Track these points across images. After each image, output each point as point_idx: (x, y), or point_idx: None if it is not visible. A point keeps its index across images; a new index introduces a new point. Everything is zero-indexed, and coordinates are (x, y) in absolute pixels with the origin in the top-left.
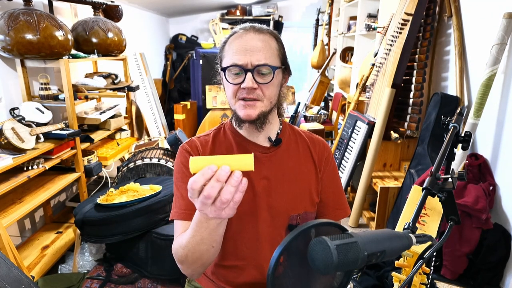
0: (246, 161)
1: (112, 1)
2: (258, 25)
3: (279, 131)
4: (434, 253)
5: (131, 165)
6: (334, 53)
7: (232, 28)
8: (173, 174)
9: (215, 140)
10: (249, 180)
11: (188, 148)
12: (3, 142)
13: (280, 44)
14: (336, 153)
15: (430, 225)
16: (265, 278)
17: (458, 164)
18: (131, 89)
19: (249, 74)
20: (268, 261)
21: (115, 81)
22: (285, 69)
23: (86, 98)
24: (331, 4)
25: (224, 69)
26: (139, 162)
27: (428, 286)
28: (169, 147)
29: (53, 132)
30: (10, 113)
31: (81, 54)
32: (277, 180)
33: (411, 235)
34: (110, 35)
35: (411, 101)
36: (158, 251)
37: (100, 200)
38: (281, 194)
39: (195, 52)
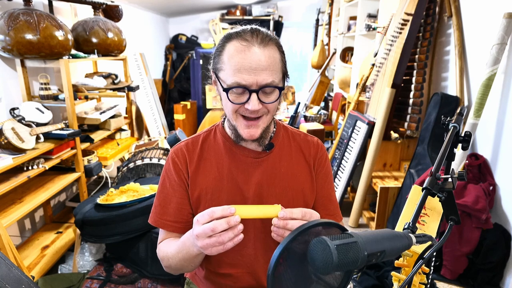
0: (275, 210)
1: (112, 1)
2: (260, 33)
3: (272, 135)
4: (434, 253)
5: (131, 165)
6: (334, 53)
7: (232, 29)
8: None
9: (204, 143)
10: (239, 187)
11: (174, 156)
12: (3, 142)
13: (282, 53)
14: (336, 153)
15: (430, 225)
16: (261, 284)
17: (458, 164)
18: (131, 89)
19: (254, 96)
20: (263, 267)
21: (115, 81)
22: (286, 75)
23: (86, 98)
24: (331, 4)
25: (226, 90)
26: (139, 162)
27: (428, 286)
28: (169, 147)
29: (53, 132)
30: (10, 113)
31: (81, 54)
32: (268, 185)
33: (411, 235)
34: (110, 35)
35: (411, 101)
36: None
37: (100, 200)
38: (273, 199)
39: (195, 52)
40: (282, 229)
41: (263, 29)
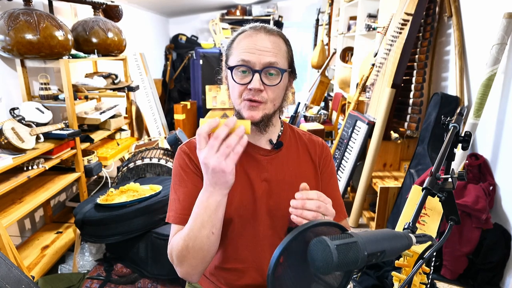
0: (244, 123)
1: (112, 1)
2: (268, 26)
3: (280, 133)
4: (434, 253)
5: (131, 165)
6: (334, 53)
7: (232, 28)
8: None
9: None
10: (249, 183)
11: (187, 150)
12: (3, 142)
13: (289, 47)
14: (336, 153)
15: (430, 225)
16: (266, 280)
17: (458, 164)
18: (131, 89)
19: (256, 75)
20: (269, 264)
21: (115, 81)
22: (292, 72)
23: (86, 98)
24: (331, 4)
25: (231, 68)
26: (139, 162)
27: (428, 286)
28: (169, 147)
29: (53, 132)
30: (10, 113)
31: (81, 54)
32: (277, 182)
33: (411, 235)
34: (110, 35)
35: (411, 101)
36: (158, 251)
37: (100, 200)
38: (281, 196)
39: (195, 52)
40: (300, 209)
41: (273, 26)
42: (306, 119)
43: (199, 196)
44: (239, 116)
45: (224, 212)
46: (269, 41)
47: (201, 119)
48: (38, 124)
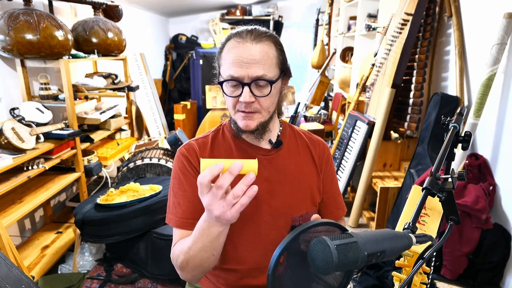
0: (251, 165)
1: (112, 1)
2: (256, 30)
3: (279, 133)
4: (434, 253)
5: (131, 165)
6: (334, 53)
7: (232, 29)
8: None
9: (214, 142)
10: None
11: (185, 152)
12: (3, 142)
13: (279, 50)
14: (336, 153)
15: (430, 225)
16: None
17: (458, 164)
18: (131, 89)
19: (246, 88)
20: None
21: (115, 81)
22: (285, 73)
23: (86, 98)
24: (331, 4)
25: (221, 83)
26: (139, 162)
27: (428, 286)
28: (169, 147)
29: (53, 132)
30: (10, 113)
31: (81, 54)
32: (279, 182)
33: (411, 235)
34: (110, 35)
35: (411, 101)
36: (158, 251)
37: (100, 200)
38: (283, 195)
39: (195, 52)
40: None
41: (262, 28)
42: (306, 119)
43: (200, 221)
44: (236, 125)
45: (226, 237)
46: (256, 50)
47: (201, 159)
48: (38, 124)
